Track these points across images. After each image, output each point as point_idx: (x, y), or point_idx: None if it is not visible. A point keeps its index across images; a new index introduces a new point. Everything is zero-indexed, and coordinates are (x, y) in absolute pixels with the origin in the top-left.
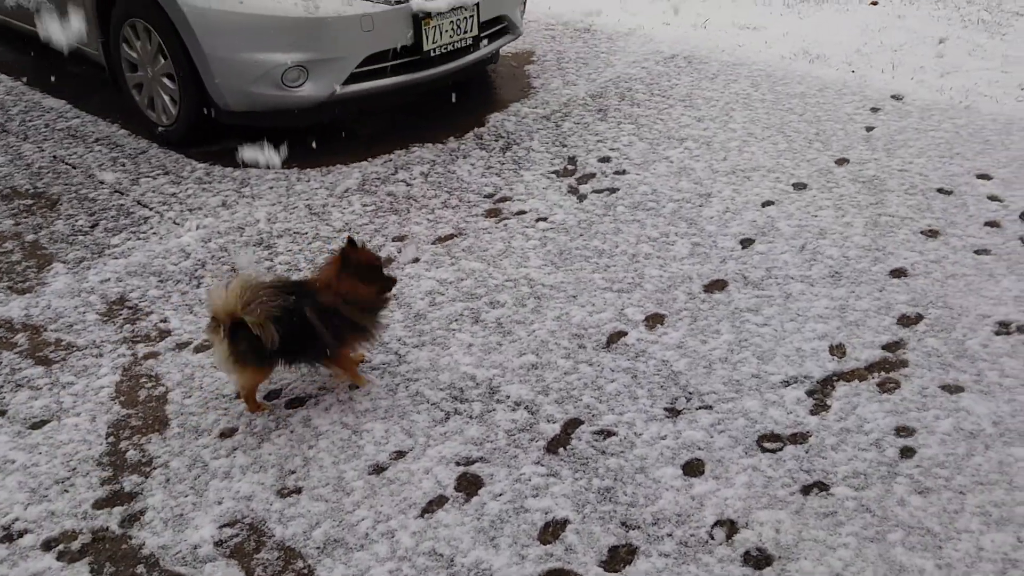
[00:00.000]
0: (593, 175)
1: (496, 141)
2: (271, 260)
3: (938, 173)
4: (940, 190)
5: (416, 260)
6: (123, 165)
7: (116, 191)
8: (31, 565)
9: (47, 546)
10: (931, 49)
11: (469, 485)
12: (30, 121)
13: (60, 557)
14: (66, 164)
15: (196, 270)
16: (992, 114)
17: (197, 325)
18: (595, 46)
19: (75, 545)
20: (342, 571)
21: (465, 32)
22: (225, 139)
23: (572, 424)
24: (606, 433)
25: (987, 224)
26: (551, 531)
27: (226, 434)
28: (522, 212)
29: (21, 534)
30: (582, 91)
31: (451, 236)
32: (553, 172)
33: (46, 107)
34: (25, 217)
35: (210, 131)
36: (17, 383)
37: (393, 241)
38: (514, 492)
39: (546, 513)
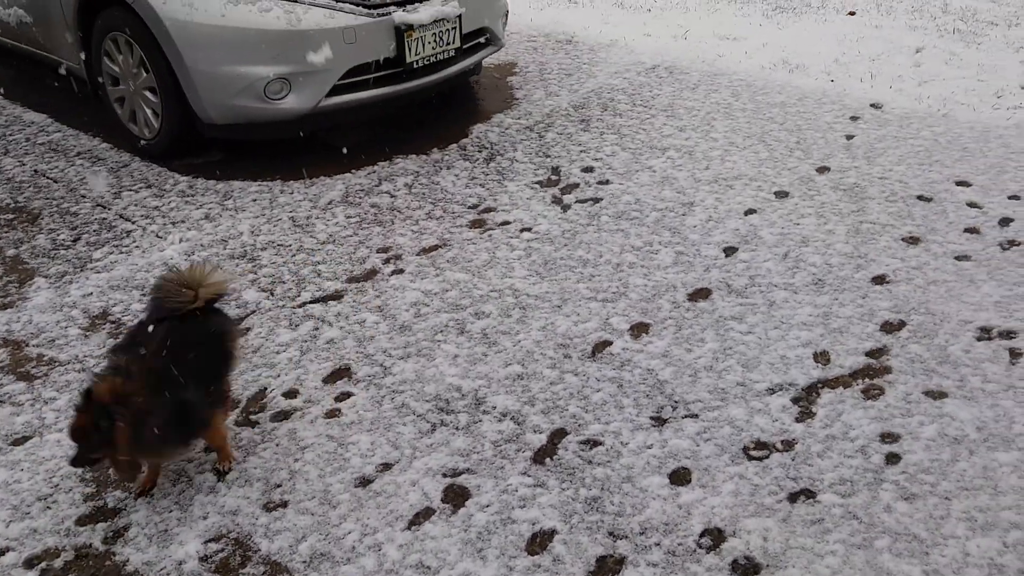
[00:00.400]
0: (577, 185)
1: (480, 152)
2: (255, 273)
3: (918, 180)
4: (920, 197)
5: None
6: (105, 178)
7: (98, 205)
8: None
9: (30, 564)
10: (908, 58)
11: (456, 497)
12: (11, 135)
13: (43, 575)
14: (47, 178)
15: None
16: (970, 122)
17: None
18: (577, 57)
19: (58, 563)
20: None
21: (447, 44)
22: (208, 152)
23: (558, 434)
24: (592, 443)
25: (967, 230)
26: (539, 542)
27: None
28: (506, 223)
29: (3, 552)
30: (565, 102)
31: (435, 247)
32: (537, 182)
33: (27, 121)
34: (6, 232)
35: (193, 144)
36: None
37: (377, 252)
38: (501, 503)
39: (533, 524)
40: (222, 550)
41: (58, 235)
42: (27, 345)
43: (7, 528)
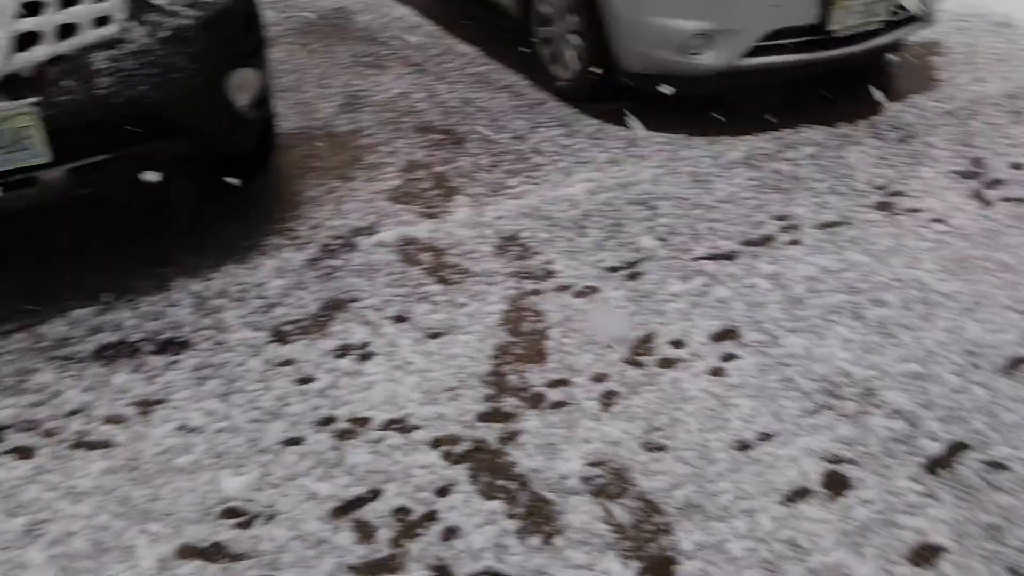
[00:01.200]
0: (1002, 181)
1: (892, 132)
2: (652, 221)
3: None
4: None
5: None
6: (523, 113)
7: (516, 137)
8: (420, 458)
9: (435, 444)
10: None
11: (836, 484)
12: (444, 64)
13: (445, 457)
14: (474, 106)
15: (581, 220)
16: None
17: (578, 272)
18: (1014, 42)
19: (458, 449)
20: (699, 537)
21: (875, 15)
22: (617, 99)
23: (958, 447)
24: (998, 466)
25: None
26: (923, 555)
27: (598, 378)
28: (916, 210)
29: (414, 428)
30: (994, 89)
31: (836, 223)
32: (955, 172)
33: (459, 52)
34: (435, 151)
35: (606, 90)
36: (420, 296)
37: (773, 219)
38: (885, 503)
39: (919, 534)
40: (601, 476)
41: (479, 159)
42: (446, 253)
43: (420, 408)
